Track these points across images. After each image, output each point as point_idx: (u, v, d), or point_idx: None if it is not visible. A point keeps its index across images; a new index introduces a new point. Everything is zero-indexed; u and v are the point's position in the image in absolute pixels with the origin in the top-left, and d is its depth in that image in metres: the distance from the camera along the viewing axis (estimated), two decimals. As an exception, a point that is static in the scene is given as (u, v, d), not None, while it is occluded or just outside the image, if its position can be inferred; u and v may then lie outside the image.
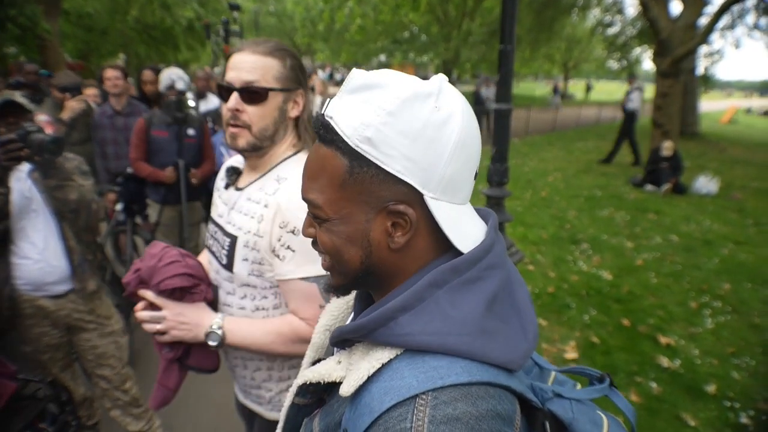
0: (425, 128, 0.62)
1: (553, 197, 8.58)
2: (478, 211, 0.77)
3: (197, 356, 1.46)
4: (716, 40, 19.36)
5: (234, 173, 1.51)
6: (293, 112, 1.37)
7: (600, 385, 0.76)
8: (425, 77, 0.73)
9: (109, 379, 2.52)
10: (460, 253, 0.66)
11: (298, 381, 0.78)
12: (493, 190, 3.41)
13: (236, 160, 1.57)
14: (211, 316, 1.38)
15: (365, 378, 0.63)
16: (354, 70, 0.67)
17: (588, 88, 40.89)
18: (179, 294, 1.37)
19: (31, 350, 2.38)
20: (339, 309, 0.89)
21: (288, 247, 1.27)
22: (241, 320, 1.39)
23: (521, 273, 4.86)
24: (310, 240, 0.75)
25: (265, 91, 1.29)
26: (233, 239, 1.38)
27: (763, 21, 16.96)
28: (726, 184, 9.71)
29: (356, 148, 0.63)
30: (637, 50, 24.18)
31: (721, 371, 3.63)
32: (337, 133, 0.64)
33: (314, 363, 0.83)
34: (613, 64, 31.28)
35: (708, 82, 20.43)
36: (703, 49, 17.41)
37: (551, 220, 7.25)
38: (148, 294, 1.38)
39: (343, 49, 29.34)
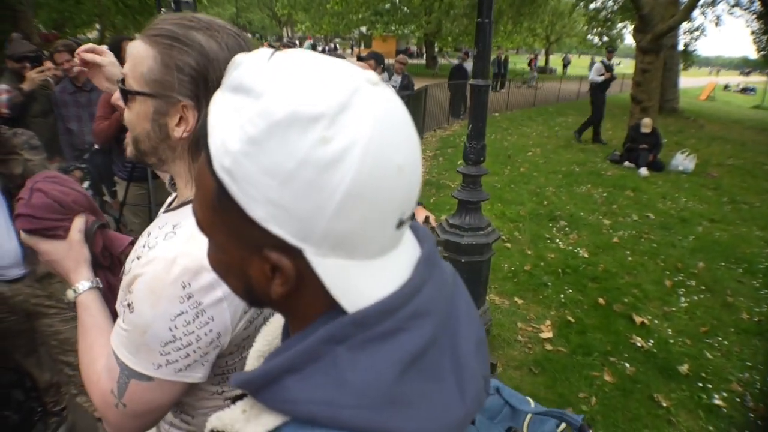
0: (301, 169, 0.43)
1: (532, 173, 8.57)
2: (415, 231, 0.59)
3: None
4: (697, 16, 19.44)
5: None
6: (178, 131, 0.92)
7: None
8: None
9: (75, 365, 2.42)
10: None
11: (208, 426, 0.64)
12: (468, 168, 3.33)
13: None
14: (78, 275, 1.11)
15: None
16: (238, 55, 0.48)
17: (565, 64, 40.17)
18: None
19: (-11, 338, 2.28)
20: (273, 333, 0.72)
21: (128, 305, 0.90)
22: (99, 313, 1.08)
23: (498, 251, 4.71)
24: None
25: (125, 94, 0.93)
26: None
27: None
28: (703, 161, 9.80)
29: (218, 174, 0.46)
30: (619, 25, 24.17)
31: (695, 351, 3.67)
32: (207, 144, 0.47)
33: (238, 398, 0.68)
34: (594, 39, 31.28)
35: (689, 58, 20.55)
36: (684, 25, 17.46)
37: (530, 197, 7.24)
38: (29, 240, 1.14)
39: (324, 21, 28.82)
